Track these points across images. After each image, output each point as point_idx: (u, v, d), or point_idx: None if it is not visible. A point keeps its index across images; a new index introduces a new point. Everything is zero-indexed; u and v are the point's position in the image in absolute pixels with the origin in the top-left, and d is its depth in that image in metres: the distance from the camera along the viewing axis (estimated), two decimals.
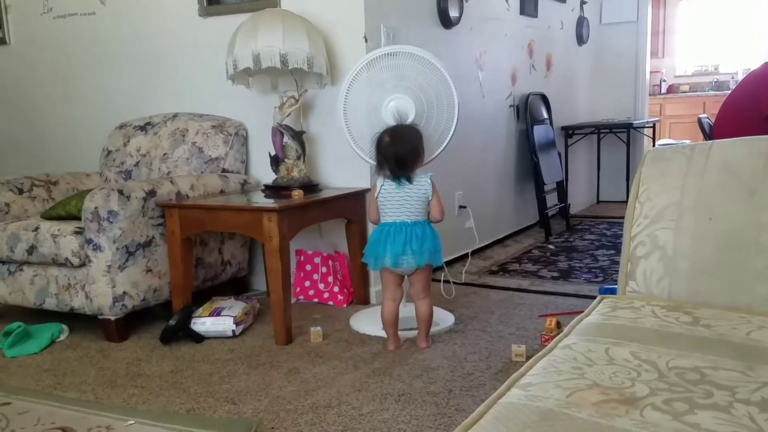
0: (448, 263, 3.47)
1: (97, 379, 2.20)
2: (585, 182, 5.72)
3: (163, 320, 2.58)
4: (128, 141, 3.26)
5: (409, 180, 2.29)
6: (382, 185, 2.31)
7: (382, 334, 2.42)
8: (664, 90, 8.20)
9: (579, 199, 5.52)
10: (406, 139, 2.28)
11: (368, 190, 2.83)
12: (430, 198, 2.30)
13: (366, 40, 2.83)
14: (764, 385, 0.98)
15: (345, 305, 2.92)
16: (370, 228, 2.46)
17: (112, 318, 2.53)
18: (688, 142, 3.92)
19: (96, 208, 2.46)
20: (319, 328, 2.50)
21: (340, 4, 2.86)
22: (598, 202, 5.89)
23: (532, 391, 1.00)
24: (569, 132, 5.17)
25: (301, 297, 3.02)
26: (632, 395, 0.96)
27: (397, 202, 2.29)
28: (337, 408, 1.89)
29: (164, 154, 3.12)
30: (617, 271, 1.96)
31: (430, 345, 2.37)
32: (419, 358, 2.26)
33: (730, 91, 3.85)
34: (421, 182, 2.30)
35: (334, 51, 2.90)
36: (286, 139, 2.79)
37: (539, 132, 4.42)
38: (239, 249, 3.06)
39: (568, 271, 3.45)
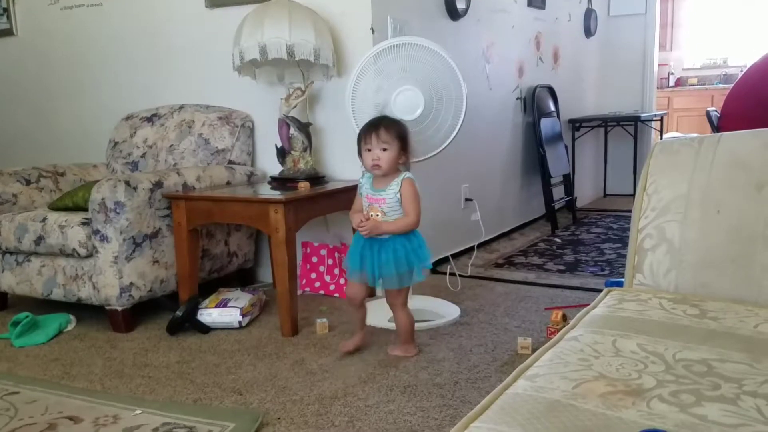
0: (455, 256, 3.47)
1: (105, 369, 2.21)
2: (592, 175, 5.70)
3: (169, 311, 2.59)
4: (135, 132, 3.27)
5: None
6: None
7: (388, 326, 2.42)
8: (672, 83, 8.15)
9: (586, 193, 5.51)
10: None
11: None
12: None
13: (373, 32, 2.82)
14: None
15: None
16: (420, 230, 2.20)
17: (119, 309, 2.54)
18: (696, 135, 3.89)
19: (103, 199, 2.46)
20: (325, 319, 2.50)
21: None
22: (605, 195, 5.88)
23: (538, 382, 1.00)
24: (576, 125, 5.15)
25: (307, 289, 3.02)
26: (639, 387, 0.96)
27: None
28: (343, 399, 1.90)
29: (171, 146, 3.13)
30: (623, 264, 1.96)
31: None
32: (425, 350, 2.26)
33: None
34: None
35: (341, 42, 2.89)
36: (292, 130, 2.79)
37: (546, 125, 4.40)
38: (245, 241, 3.07)
39: (575, 264, 3.44)
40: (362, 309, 2.25)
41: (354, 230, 2.18)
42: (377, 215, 2.10)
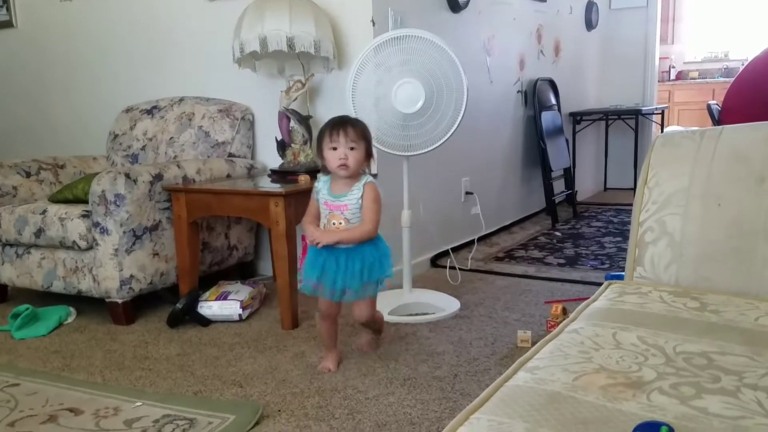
0: (455, 249, 3.47)
1: (105, 361, 2.22)
2: (592, 169, 5.70)
3: (169, 304, 2.59)
4: (135, 125, 3.26)
5: None
6: None
7: (388, 318, 2.42)
8: (673, 76, 8.13)
9: (586, 186, 5.50)
10: None
11: (375, 176, 2.82)
12: None
13: (373, 24, 2.81)
14: None
15: None
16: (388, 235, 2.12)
17: (120, 301, 2.54)
18: (697, 128, 3.89)
19: (103, 191, 2.46)
20: None
21: None
22: (606, 189, 5.87)
23: (538, 374, 1.00)
24: (577, 118, 5.14)
25: None
26: (639, 379, 0.96)
27: None
28: (343, 392, 1.90)
29: (171, 138, 3.12)
30: (624, 258, 1.96)
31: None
32: (425, 343, 2.26)
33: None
34: None
35: (341, 35, 2.88)
36: (292, 123, 2.79)
37: (547, 118, 4.39)
38: (246, 234, 3.06)
39: (575, 257, 3.44)
40: (334, 326, 2.08)
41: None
42: (340, 223, 1.94)
